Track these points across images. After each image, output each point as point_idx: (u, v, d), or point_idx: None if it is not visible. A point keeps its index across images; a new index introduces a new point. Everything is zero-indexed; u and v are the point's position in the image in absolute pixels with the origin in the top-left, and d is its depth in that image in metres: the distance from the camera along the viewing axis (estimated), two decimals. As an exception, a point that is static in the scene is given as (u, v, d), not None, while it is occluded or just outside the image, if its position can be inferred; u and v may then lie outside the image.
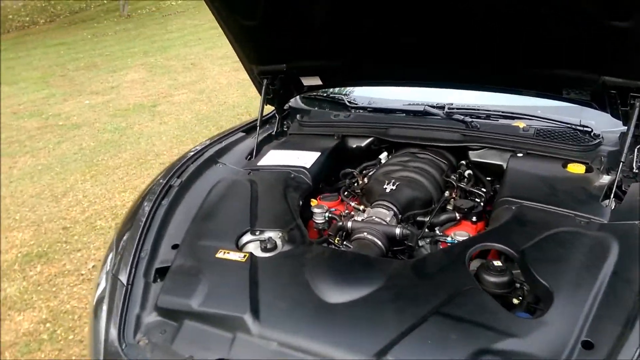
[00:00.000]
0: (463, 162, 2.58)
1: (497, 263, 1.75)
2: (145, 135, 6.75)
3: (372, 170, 2.64)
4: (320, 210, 2.30)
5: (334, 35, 2.41)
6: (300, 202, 2.32)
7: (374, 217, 2.10)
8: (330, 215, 2.31)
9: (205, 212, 2.20)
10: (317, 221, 2.32)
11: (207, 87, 8.80)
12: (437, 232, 2.16)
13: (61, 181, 5.49)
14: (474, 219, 2.17)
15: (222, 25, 2.50)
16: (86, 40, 14.16)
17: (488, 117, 2.66)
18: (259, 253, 1.96)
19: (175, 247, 2.04)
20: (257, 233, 2.06)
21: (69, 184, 5.42)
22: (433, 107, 2.73)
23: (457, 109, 2.70)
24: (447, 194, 2.34)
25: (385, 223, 2.08)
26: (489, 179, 2.49)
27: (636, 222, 1.83)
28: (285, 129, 3.09)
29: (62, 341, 3.20)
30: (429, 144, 2.55)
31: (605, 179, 2.14)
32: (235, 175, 2.50)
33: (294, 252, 1.91)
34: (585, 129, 2.43)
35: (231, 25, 2.49)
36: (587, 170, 2.19)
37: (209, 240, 2.02)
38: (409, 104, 2.83)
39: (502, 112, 2.64)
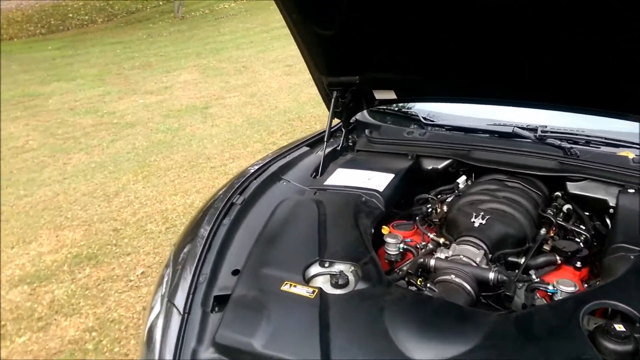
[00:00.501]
0: (559, 193, 2.27)
1: (620, 327, 1.45)
2: (197, 137, 6.69)
3: (448, 196, 2.37)
4: (394, 240, 2.05)
5: (415, 48, 2.16)
6: (372, 230, 2.09)
7: (461, 256, 1.84)
8: (405, 246, 2.06)
9: (269, 235, 1.99)
10: (389, 252, 2.07)
11: (259, 91, 8.71)
12: (534, 277, 1.87)
13: (114, 180, 5.47)
14: (578, 264, 1.86)
15: (294, 33, 2.30)
16: (142, 40, 14.45)
17: (588, 143, 2.34)
18: (328, 289, 1.73)
19: (236, 272, 1.85)
20: (326, 265, 1.84)
21: (121, 183, 5.39)
22: (523, 128, 2.43)
23: (552, 132, 2.39)
24: (543, 231, 2.04)
25: (475, 264, 1.81)
26: (587, 213, 2.17)
27: None
28: (351, 144, 2.86)
29: (107, 353, 3.08)
30: (520, 171, 2.25)
31: None
32: (301, 194, 2.28)
33: (370, 292, 1.67)
34: None
35: (305, 34, 2.28)
36: None
37: (273, 269, 1.81)
38: (494, 124, 2.53)
39: (605, 138, 2.30)
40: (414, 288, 1.80)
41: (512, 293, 1.67)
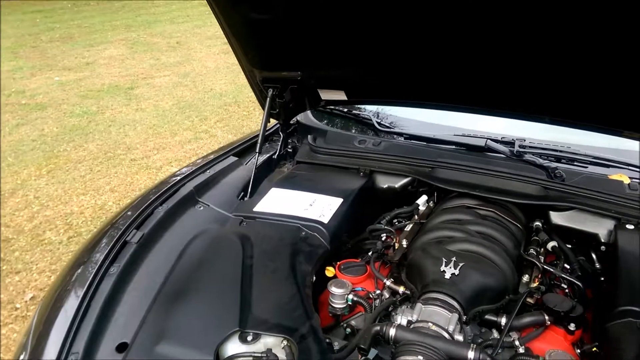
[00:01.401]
0: (539, 224, 1.87)
1: None
2: (117, 122, 5.90)
3: (408, 223, 1.92)
4: (341, 290, 1.59)
5: (371, 40, 1.67)
6: (314, 279, 1.60)
7: (429, 324, 1.38)
8: (355, 298, 1.59)
9: (172, 292, 1.46)
10: (335, 304, 1.61)
11: (192, 70, 7.95)
12: (517, 342, 1.46)
13: (12, 175, 4.63)
14: (572, 326, 1.47)
15: (218, 16, 1.75)
16: (65, 9, 13.04)
17: (572, 161, 1.95)
18: (252, 376, 1.24)
19: (122, 348, 1.31)
20: (249, 339, 1.34)
21: (21, 179, 4.57)
22: (498, 141, 2.00)
23: (531, 147, 1.98)
24: (525, 278, 1.63)
25: (447, 335, 1.37)
26: (569, 246, 1.80)
27: None
28: (290, 150, 2.35)
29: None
30: (496, 197, 1.83)
31: None
32: (222, 226, 1.75)
33: None
34: None
35: (233, 18, 1.73)
36: None
37: (175, 345, 1.30)
38: (463, 135, 2.10)
39: (594, 157, 1.92)
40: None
41: None
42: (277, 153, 2.27)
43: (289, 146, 2.37)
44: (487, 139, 2.00)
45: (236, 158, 2.15)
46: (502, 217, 1.81)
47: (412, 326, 1.41)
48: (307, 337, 1.32)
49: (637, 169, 1.85)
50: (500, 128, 2.12)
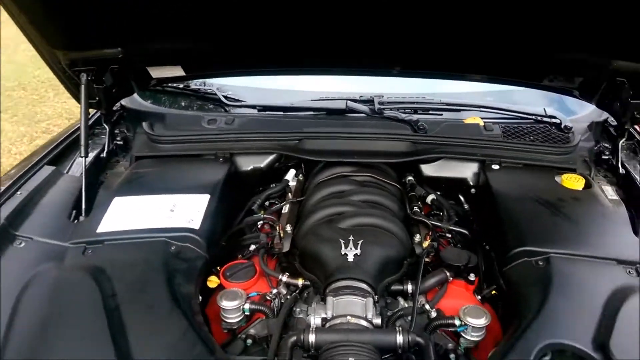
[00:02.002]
0: (411, 178, 1.84)
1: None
2: None
3: (283, 204, 1.73)
4: (234, 303, 1.35)
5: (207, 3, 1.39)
6: (200, 298, 1.33)
7: (348, 318, 1.24)
8: (252, 307, 1.37)
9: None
10: (228, 320, 1.37)
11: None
12: (427, 306, 1.41)
13: None
14: (472, 276, 1.47)
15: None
16: None
17: (428, 110, 1.96)
18: None
19: None
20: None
21: None
22: (357, 101, 1.90)
23: (389, 102, 1.92)
24: (417, 238, 1.59)
25: (367, 323, 1.24)
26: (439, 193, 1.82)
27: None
28: (120, 142, 1.93)
29: None
30: (371, 160, 1.74)
31: (609, 192, 1.65)
32: (59, 262, 1.34)
33: None
34: (553, 120, 1.90)
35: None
36: (586, 184, 1.66)
37: None
38: (321, 99, 1.95)
39: (447, 103, 1.95)
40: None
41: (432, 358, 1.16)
42: (105, 150, 1.85)
43: (118, 138, 1.95)
44: (347, 100, 1.89)
45: (53, 167, 1.68)
46: (380, 180, 1.73)
47: (329, 324, 1.25)
48: None
49: (488, 110, 1.92)
50: (351, 88, 2.02)
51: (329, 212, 1.54)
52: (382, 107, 1.88)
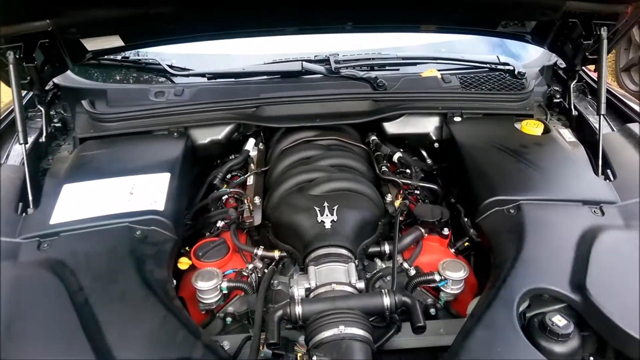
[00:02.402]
0: (374, 138, 1.81)
1: (559, 319, 1.12)
2: None
3: (247, 176, 1.67)
4: (211, 283, 1.30)
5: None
6: (174, 283, 1.26)
7: (332, 285, 1.21)
8: (230, 284, 1.32)
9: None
10: (206, 300, 1.32)
11: None
12: (405, 265, 1.42)
13: None
14: (445, 231, 1.48)
15: None
16: None
17: (384, 66, 1.91)
18: None
19: None
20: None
21: None
22: (312, 61, 1.83)
23: (345, 60, 1.86)
24: (389, 197, 1.57)
25: (352, 288, 1.23)
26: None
27: (651, 196, 1.42)
28: (58, 124, 1.78)
29: None
30: (334, 123, 1.69)
31: (567, 134, 1.70)
32: (13, 260, 1.22)
33: None
34: (507, 67, 1.91)
35: None
36: (544, 129, 1.69)
37: None
38: (274, 62, 1.85)
39: (403, 57, 1.91)
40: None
41: (423, 320, 1.16)
42: (43, 134, 1.69)
43: (55, 120, 1.79)
44: (302, 60, 1.81)
45: None
46: (345, 143, 1.70)
47: (313, 294, 1.22)
48: (207, 359, 1.02)
49: (443, 61, 1.90)
50: (304, 49, 1.94)
51: (299, 180, 1.50)
52: (338, 65, 1.81)
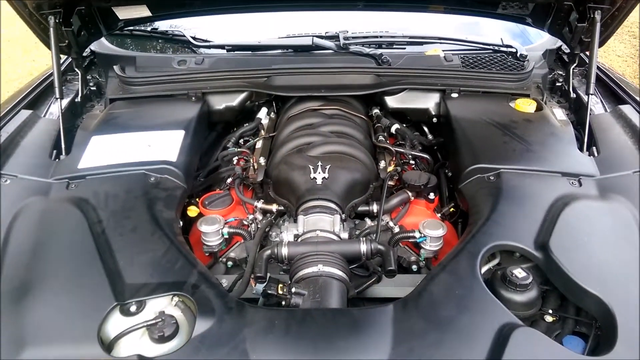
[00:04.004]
0: (377, 111, 1.94)
1: (519, 272, 1.23)
2: None
3: (257, 140, 1.83)
4: (213, 227, 1.46)
5: None
6: (181, 224, 1.43)
7: (317, 232, 1.36)
8: (230, 230, 1.49)
9: (13, 288, 1.16)
10: (209, 243, 1.48)
11: None
12: (390, 223, 1.55)
13: None
14: (431, 195, 1.60)
15: None
16: None
17: (392, 45, 2.03)
18: (150, 347, 1.09)
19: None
20: (132, 310, 1.15)
21: None
22: (323, 37, 1.96)
23: (354, 37, 1.99)
24: (382, 164, 1.70)
25: (336, 237, 1.37)
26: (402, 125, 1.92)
27: (630, 171, 1.49)
28: (93, 87, 1.98)
29: None
30: (337, 94, 1.82)
31: (559, 113, 1.78)
32: (45, 196, 1.42)
33: (218, 333, 1.09)
34: (510, 49, 1.99)
35: None
36: (537, 107, 1.78)
37: (42, 346, 1.05)
38: (287, 37, 2.00)
39: (410, 36, 2.02)
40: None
41: (394, 265, 1.29)
42: (79, 95, 1.89)
43: (91, 83, 2.00)
44: (313, 36, 1.94)
45: (30, 111, 1.73)
46: (347, 113, 1.82)
47: (300, 239, 1.37)
48: (199, 285, 1.18)
49: (448, 41, 2.00)
50: (317, 27, 2.07)
51: (300, 142, 1.64)
52: (347, 42, 1.94)
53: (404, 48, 2.02)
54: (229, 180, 1.68)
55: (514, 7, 1.75)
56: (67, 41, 1.72)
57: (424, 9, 1.94)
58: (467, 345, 1.06)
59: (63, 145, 1.59)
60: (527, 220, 1.33)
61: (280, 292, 1.21)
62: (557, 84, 1.98)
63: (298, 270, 1.26)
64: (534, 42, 2.17)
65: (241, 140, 1.90)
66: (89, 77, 1.99)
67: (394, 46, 2.03)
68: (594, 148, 1.59)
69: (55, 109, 1.77)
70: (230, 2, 1.82)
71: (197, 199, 1.62)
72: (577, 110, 1.84)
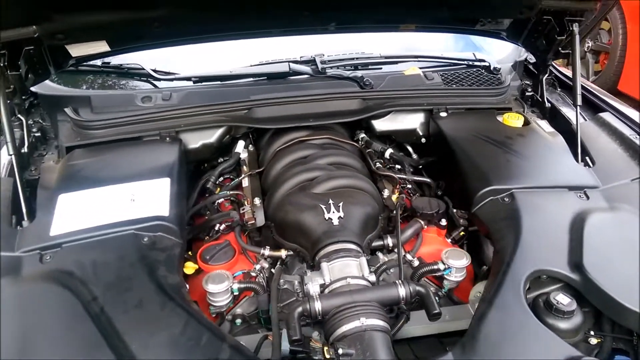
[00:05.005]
0: (363, 135, 1.86)
1: (562, 298, 1.19)
2: None
3: (242, 178, 1.67)
4: (223, 285, 1.30)
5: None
6: (188, 287, 1.25)
7: (347, 280, 1.24)
8: (242, 286, 1.33)
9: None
10: (216, 303, 1.32)
11: None
12: (409, 256, 1.46)
13: None
14: (443, 222, 1.54)
15: None
16: None
17: (367, 65, 1.96)
18: None
19: None
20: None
21: None
22: (298, 62, 1.85)
23: (330, 60, 1.90)
24: (386, 193, 1.61)
25: (367, 283, 1.26)
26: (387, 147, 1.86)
27: (627, 180, 1.53)
28: (37, 134, 1.71)
29: None
30: (327, 122, 1.71)
31: (545, 125, 1.80)
32: (15, 275, 1.17)
33: None
34: (483, 63, 2.00)
35: None
36: (525, 122, 1.79)
37: None
38: (260, 64, 1.86)
39: (385, 56, 1.96)
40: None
41: (438, 308, 1.20)
42: (25, 144, 1.62)
43: (34, 129, 1.72)
44: (289, 62, 1.82)
45: None
46: (338, 141, 1.73)
47: (329, 289, 1.24)
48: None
49: (424, 59, 1.97)
50: (285, 50, 1.96)
51: (301, 179, 1.51)
52: (324, 66, 1.84)
53: (380, 68, 1.96)
54: (223, 226, 1.51)
55: (492, 23, 1.75)
56: (12, 86, 1.47)
57: (396, 29, 1.89)
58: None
59: (24, 210, 1.34)
60: (554, 241, 1.30)
61: (327, 355, 1.08)
62: (527, 93, 2.01)
63: (338, 326, 1.13)
64: (482, 51, 2.20)
65: (221, 179, 1.73)
66: (30, 122, 1.72)
67: (370, 67, 1.96)
68: (587, 158, 1.62)
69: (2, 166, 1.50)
70: (198, 32, 1.65)
71: (190, 253, 1.44)
72: (554, 120, 1.88)
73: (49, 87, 1.79)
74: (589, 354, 1.14)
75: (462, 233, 1.56)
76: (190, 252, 1.45)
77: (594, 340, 1.19)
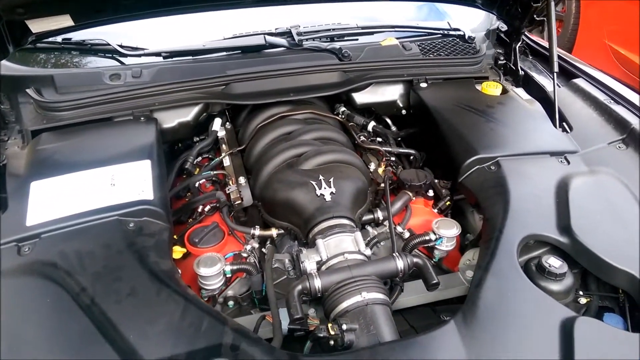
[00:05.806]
0: (344, 109, 1.82)
1: (554, 261, 1.23)
2: None
3: (223, 156, 1.62)
4: (215, 268, 1.26)
5: None
6: (180, 271, 1.20)
7: (345, 255, 1.22)
8: (235, 267, 1.29)
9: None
10: (209, 287, 1.28)
11: None
12: (399, 229, 1.46)
13: None
14: (430, 192, 1.54)
15: None
16: None
17: (343, 37, 1.91)
18: None
19: None
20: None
21: None
22: (274, 34, 1.78)
23: (307, 32, 1.83)
24: (372, 166, 1.60)
25: (363, 256, 1.25)
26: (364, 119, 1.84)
27: (605, 143, 1.57)
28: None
29: None
30: (309, 96, 1.67)
31: (522, 93, 1.82)
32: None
33: None
34: (458, 32, 1.99)
35: None
36: (502, 90, 1.80)
37: None
38: (235, 37, 1.78)
39: (362, 27, 1.92)
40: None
41: (436, 278, 1.20)
42: None
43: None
44: (264, 34, 1.75)
45: None
46: (321, 115, 1.69)
47: (326, 266, 1.22)
48: (239, 344, 0.99)
49: (400, 29, 1.94)
50: (258, 21, 1.88)
51: (288, 155, 1.47)
52: (301, 37, 1.78)
53: (357, 39, 1.92)
54: (207, 208, 1.45)
55: (469, -9, 1.74)
56: None
57: None
58: (538, 346, 1.03)
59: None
60: (543, 207, 1.33)
61: (332, 332, 1.07)
62: (500, 61, 2.02)
63: (339, 302, 1.12)
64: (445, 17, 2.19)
65: (200, 158, 1.67)
66: None
67: (346, 38, 1.91)
68: (565, 124, 1.65)
69: None
70: (170, 3, 1.56)
71: (175, 237, 1.39)
72: (528, 87, 1.90)
73: (7, 67, 1.66)
74: (577, 312, 1.18)
75: (447, 203, 1.57)
76: (175, 236, 1.39)
77: (583, 300, 1.24)
